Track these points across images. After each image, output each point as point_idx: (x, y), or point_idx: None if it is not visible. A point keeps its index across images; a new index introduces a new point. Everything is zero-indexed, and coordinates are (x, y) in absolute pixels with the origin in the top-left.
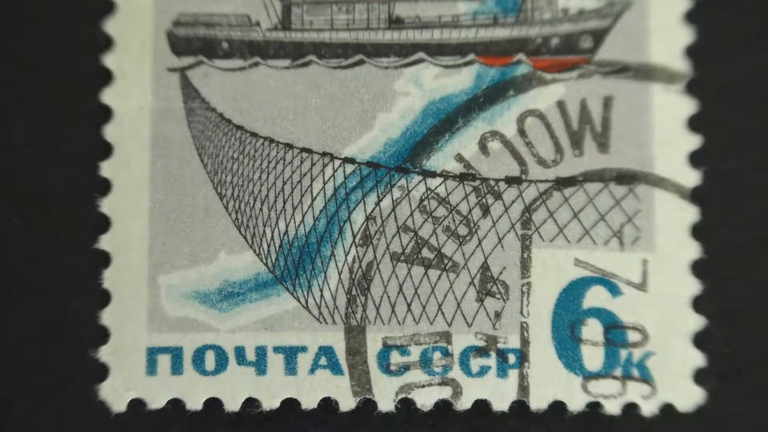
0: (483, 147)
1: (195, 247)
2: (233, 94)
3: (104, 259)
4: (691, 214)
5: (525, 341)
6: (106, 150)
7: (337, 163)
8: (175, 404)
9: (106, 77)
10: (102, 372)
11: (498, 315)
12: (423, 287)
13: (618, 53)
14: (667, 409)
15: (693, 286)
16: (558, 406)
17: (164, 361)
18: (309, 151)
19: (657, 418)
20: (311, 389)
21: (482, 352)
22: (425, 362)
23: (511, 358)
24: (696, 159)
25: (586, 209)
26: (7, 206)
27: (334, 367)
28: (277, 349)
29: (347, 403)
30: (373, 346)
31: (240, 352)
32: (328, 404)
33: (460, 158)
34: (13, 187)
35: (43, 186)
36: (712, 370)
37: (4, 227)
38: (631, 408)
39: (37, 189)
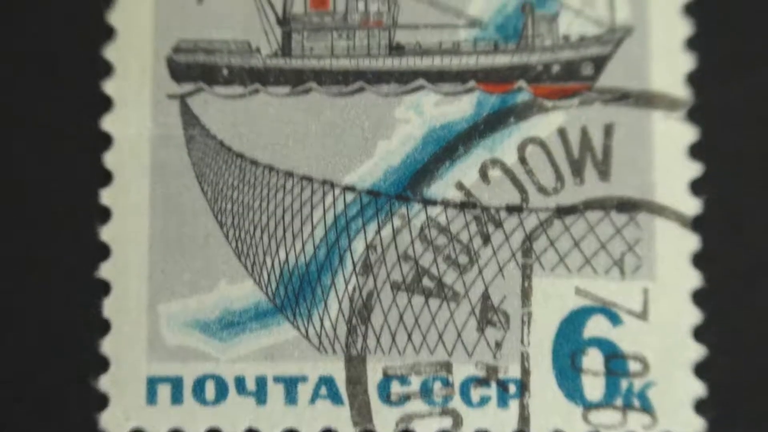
0: (484, 175)
1: (195, 275)
2: (233, 121)
3: (104, 287)
4: (691, 242)
5: (526, 371)
6: (105, 177)
7: (338, 191)
8: None
9: (105, 104)
10: (102, 401)
11: (498, 345)
12: (423, 316)
13: (619, 80)
14: None
15: (694, 315)
16: None
17: (164, 391)
18: (309, 178)
19: None
20: (311, 419)
21: (483, 382)
22: (426, 392)
23: (512, 388)
24: (697, 187)
25: (586, 238)
26: (6, 233)
27: (335, 397)
28: (277, 379)
29: None
30: (374, 375)
31: (240, 381)
32: None
33: (460, 186)
34: (12, 213)
35: (43, 213)
36: (713, 399)
37: (2, 254)
38: None
39: (36, 216)
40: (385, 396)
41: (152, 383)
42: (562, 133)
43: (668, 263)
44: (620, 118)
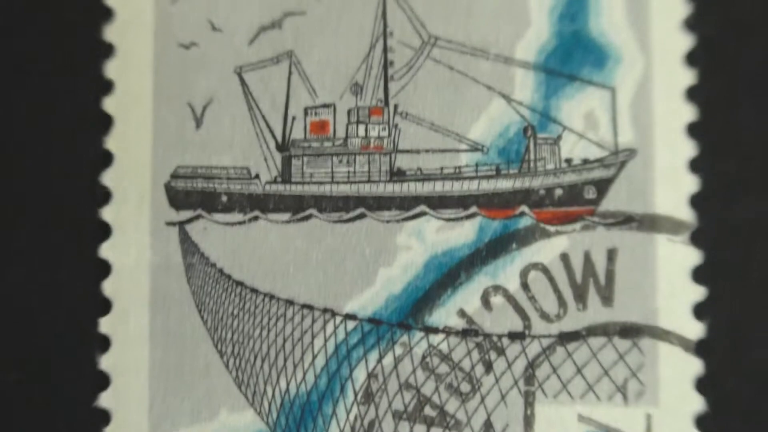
0: (486, 302)
1: (195, 404)
2: (233, 249)
3: (104, 416)
4: (695, 366)
5: None
6: (105, 306)
7: (339, 319)
8: None
9: (104, 231)
10: None
11: None
12: None
13: (622, 203)
14: None
15: None
16: None
17: None
18: (310, 307)
19: None
20: None
21: None
22: None
23: None
24: (700, 310)
25: (589, 364)
26: (5, 360)
27: None
28: None
29: None
30: None
31: None
32: None
33: (462, 314)
34: (11, 342)
35: (43, 341)
36: None
37: (2, 385)
38: None
39: (36, 345)
40: None
41: None
42: (564, 258)
43: (672, 388)
44: (624, 242)
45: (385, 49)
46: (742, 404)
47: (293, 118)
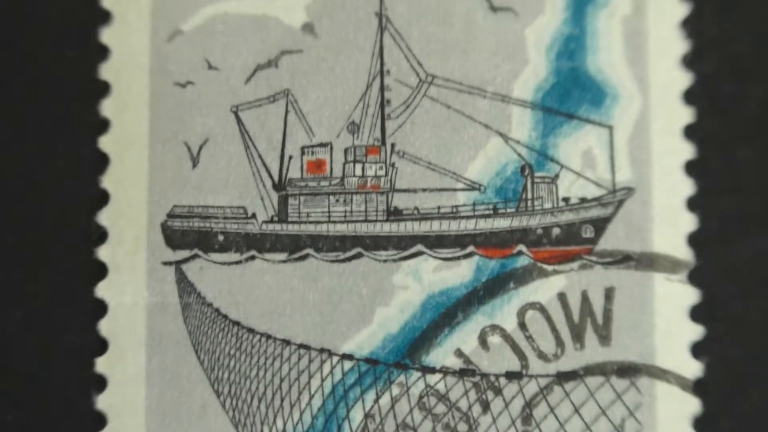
0: (483, 341)
1: None
2: (229, 289)
3: None
4: (693, 406)
5: None
6: (101, 346)
7: (335, 359)
8: None
9: (100, 270)
10: None
11: None
12: None
13: (620, 242)
14: None
15: None
16: None
17: None
18: (307, 347)
19: None
20: None
21: None
22: None
23: None
24: (698, 349)
25: (587, 404)
26: (2, 399)
27: None
28: None
29: None
30: None
31: None
32: None
33: (459, 353)
34: (8, 383)
35: (41, 383)
36: None
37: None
38: None
39: (33, 385)
40: None
41: None
42: (562, 297)
43: (669, 428)
44: (621, 281)
45: (382, 88)
46: None
47: (290, 157)
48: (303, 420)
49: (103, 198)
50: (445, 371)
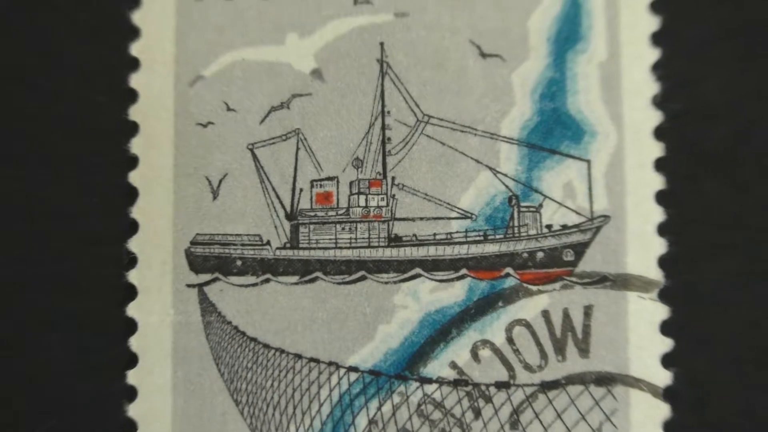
0: (474, 355)
1: None
2: (247, 308)
3: None
4: (663, 411)
5: None
6: (132, 360)
7: (342, 371)
8: None
9: (131, 292)
10: None
11: None
12: None
13: (598, 265)
14: None
15: None
16: None
17: None
18: (316, 360)
19: None
20: None
21: None
22: None
23: None
24: (668, 360)
25: (568, 410)
26: (41, 410)
27: None
28: None
29: None
30: None
31: None
32: None
33: (453, 365)
34: (47, 395)
35: (77, 394)
36: None
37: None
38: None
39: (70, 396)
40: None
41: None
42: (545, 314)
43: (642, 431)
44: (599, 299)
45: (383, 127)
46: None
47: (300, 190)
48: (313, 426)
49: (132, 227)
50: (440, 381)
